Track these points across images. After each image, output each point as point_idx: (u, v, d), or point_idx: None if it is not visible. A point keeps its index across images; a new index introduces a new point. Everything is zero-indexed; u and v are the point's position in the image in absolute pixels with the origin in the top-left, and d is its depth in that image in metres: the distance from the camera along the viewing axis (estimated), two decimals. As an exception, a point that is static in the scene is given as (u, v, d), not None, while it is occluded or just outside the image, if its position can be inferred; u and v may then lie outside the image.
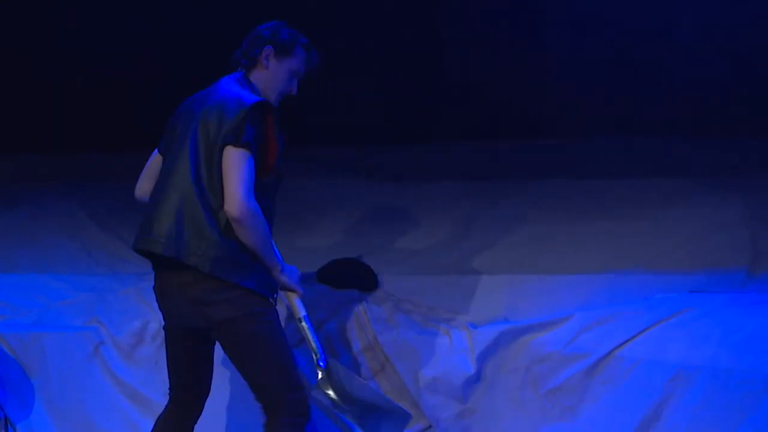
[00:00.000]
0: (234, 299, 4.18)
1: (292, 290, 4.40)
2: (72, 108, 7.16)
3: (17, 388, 5.21)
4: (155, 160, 4.51)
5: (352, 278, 5.23)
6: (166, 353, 4.47)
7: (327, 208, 6.08)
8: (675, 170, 5.91)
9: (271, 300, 4.30)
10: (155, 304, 5.23)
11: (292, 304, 4.44)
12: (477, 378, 4.97)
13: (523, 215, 5.73)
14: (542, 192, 5.88)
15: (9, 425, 5.17)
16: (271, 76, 4.39)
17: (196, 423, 4.51)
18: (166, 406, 4.49)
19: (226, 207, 4.13)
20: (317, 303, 5.10)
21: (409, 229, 5.69)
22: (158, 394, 5.14)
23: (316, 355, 4.50)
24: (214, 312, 4.19)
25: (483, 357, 4.96)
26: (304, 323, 4.45)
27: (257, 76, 4.39)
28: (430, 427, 4.98)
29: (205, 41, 6.99)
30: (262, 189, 4.22)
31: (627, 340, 4.83)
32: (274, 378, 4.25)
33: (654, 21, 6.25)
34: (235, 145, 4.15)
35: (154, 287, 4.41)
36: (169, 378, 4.46)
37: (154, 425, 4.48)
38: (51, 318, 5.37)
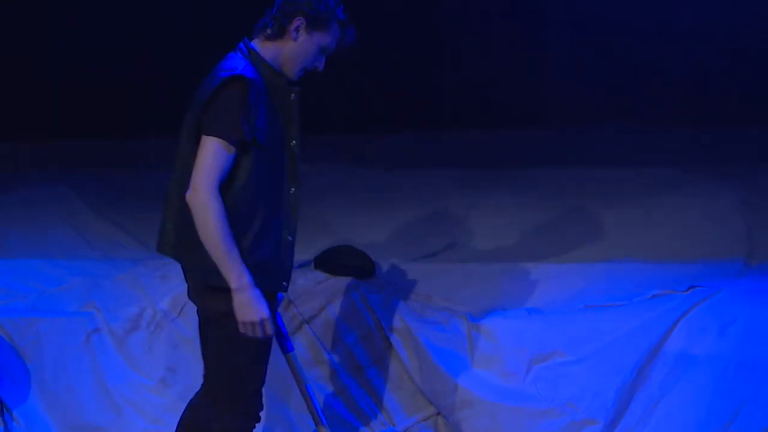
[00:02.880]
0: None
1: (245, 319, 3.89)
2: (71, 105, 7.17)
3: (13, 374, 5.20)
4: None
5: (348, 265, 5.20)
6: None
7: (325, 195, 6.08)
8: (671, 159, 5.93)
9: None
10: (150, 290, 5.27)
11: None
12: (474, 369, 4.96)
13: (520, 204, 5.73)
14: (538, 180, 5.89)
15: (5, 410, 5.16)
16: (297, 49, 3.99)
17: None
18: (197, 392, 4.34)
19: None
20: (313, 290, 5.09)
21: (407, 216, 5.70)
22: (151, 380, 5.16)
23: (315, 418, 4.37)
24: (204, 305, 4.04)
25: (481, 350, 4.95)
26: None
27: (280, 47, 4.00)
28: (439, 414, 4.97)
29: (205, 41, 6.98)
30: (240, 179, 3.88)
31: (631, 340, 4.82)
32: (237, 376, 4.05)
33: (652, 11, 6.27)
34: (205, 130, 3.84)
35: None
36: None
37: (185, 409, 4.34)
38: (46, 303, 5.36)
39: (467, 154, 6.26)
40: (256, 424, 4.14)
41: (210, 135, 3.84)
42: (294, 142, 4.01)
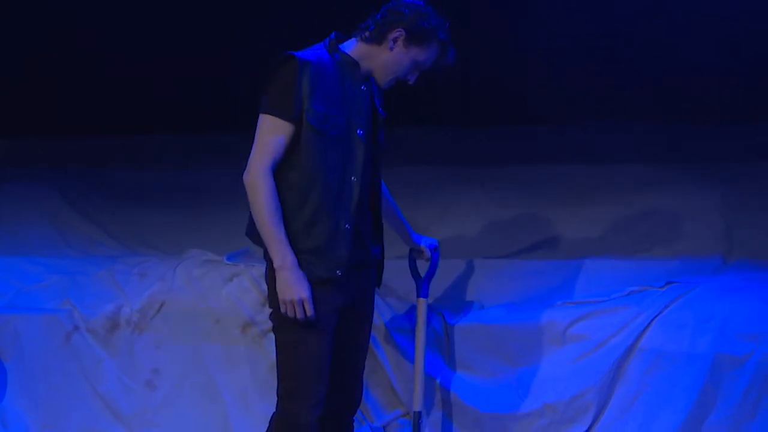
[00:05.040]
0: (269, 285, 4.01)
1: (284, 297, 3.92)
2: (57, 101, 7.15)
3: (-12, 371, 5.21)
4: None
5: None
6: None
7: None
8: (651, 157, 5.92)
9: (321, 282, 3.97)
10: (127, 288, 5.26)
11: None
12: (452, 370, 4.95)
13: (498, 200, 5.72)
14: (517, 178, 5.88)
15: (-20, 407, 5.15)
16: (392, 59, 4.04)
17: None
18: None
19: None
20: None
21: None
22: (137, 383, 5.15)
23: None
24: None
25: (459, 349, 4.95)
26: None
27: (374, 53, 4.04)
28: (407, 413, 4.96)
29: (202, 41, 6.96)
30: (296, 162, 3.92)
31: (609, 337, 4.84)
32: (281, 378, 4.03)
33: (633, 9, 6.27)
34: (259, 109, 3.94)
35: None
36: None
37: None
38: (24, 300, 5.34)
39: (445, 151, 6.25)
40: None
41: (260, 113, 3.93)
42: (360, 131, 4.01)
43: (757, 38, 6.21)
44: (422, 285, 4.69)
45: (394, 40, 4.02)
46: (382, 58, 4.04)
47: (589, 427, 4.78)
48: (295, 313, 3.89)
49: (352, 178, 4.00)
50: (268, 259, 3.99)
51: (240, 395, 5.05)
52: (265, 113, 3.91)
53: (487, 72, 6.46)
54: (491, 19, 6.40)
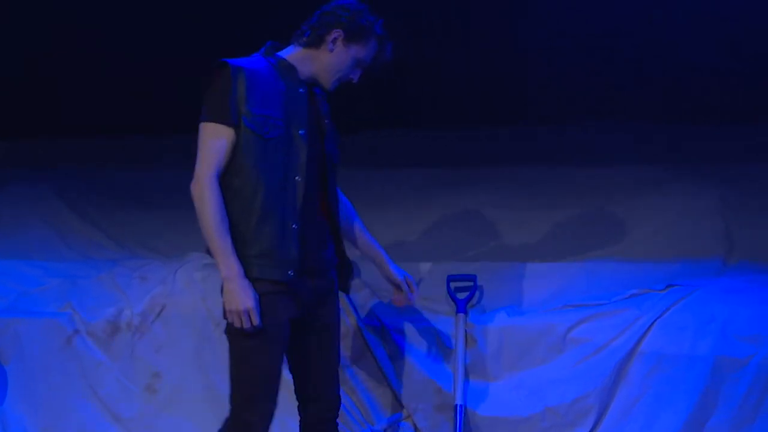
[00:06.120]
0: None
1: (230, 307, 3.90)
2: (53, 102, 7.14)
3: (-11, 375, 5.20)
4: None
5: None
6: None
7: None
8: (651, 158, 5.92)
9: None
10: (128, 291, 5.26)
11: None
12: (453, 373, 4.95)
13: (497, 203, 5.72)
14: (517, 179, 5.88)
15: (-20, 411, 5.15)
16: (333, 60, 4.06)
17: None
18: None
19: None
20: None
21: (384, 216, 5.65)
22: (138, 386, 5.15)
23: None
24: None
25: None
26: None
27: (315, 56, 4.07)
28: (408, 416, 4.97)
29: (199, 41, 6.95)
30: (239, 166, 3.93)
31: (610, 340, 4.84)
32: (234, 387, 4.01)
33: (633, 9, 6.26)
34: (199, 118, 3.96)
35: None
36: None
37: None
38: (25, 304, 5.33)
39: (445, 151, 6.25)
40: None
41: (200, 122, 3.95)
42: (302, 131, 4.01)
43: (757, 38, 6.21)
44: (460, 303, 4.96)
45: (334, 41, 4.06)
46: (324, 60, 4.07)
47: (591, 430, 4.78)
48: (241, 323, 3.88)
49: (296, 177, 4.00)
50: None
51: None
52: (204, 121, 3.94)
53: (487, 72, 6.45)
54: (491, 19, 6.38)
